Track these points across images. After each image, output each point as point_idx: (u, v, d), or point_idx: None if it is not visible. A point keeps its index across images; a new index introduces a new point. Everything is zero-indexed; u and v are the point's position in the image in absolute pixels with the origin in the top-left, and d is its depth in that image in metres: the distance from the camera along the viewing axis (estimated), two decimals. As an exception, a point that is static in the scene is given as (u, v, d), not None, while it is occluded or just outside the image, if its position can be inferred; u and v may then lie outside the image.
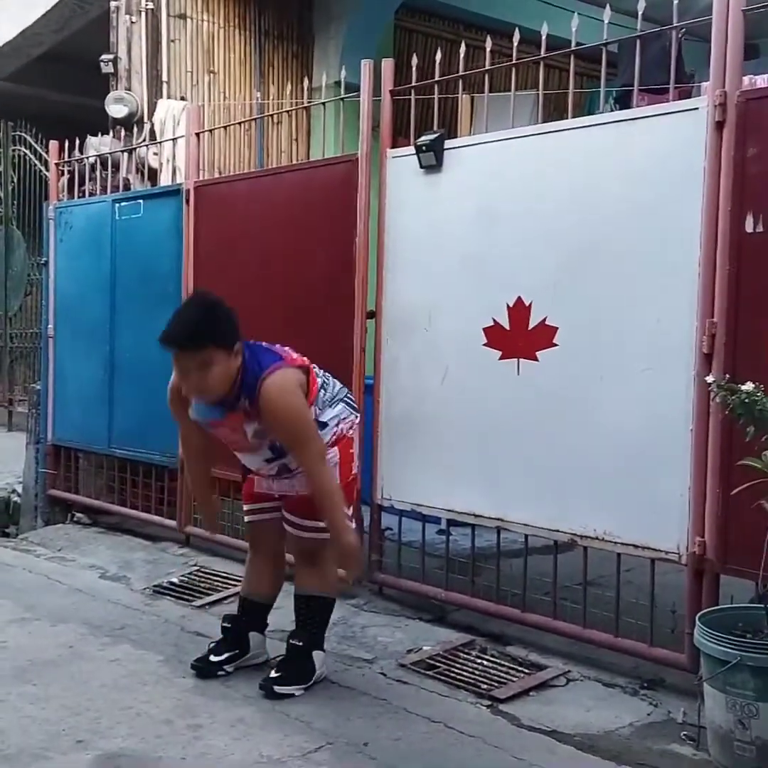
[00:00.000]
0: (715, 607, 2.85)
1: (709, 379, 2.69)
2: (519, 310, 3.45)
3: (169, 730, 2.81)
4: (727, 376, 2.68)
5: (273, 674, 3.10)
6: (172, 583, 4.36)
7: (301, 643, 3.13)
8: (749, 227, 2.90)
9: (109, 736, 2.76)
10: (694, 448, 3.00)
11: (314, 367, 3.18)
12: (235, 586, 4.00)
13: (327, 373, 3.25)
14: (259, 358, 2.99)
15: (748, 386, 2.47)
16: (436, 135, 3.71)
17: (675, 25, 3.16)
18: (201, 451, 3.34)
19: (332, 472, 3.05)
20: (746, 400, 2.46)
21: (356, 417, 3.27)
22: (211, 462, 3.44)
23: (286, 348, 3.14)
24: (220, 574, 4.43)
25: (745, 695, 2.42)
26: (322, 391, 3.14)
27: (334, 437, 3.13)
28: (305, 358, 3.15)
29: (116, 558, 4.87)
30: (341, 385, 3.27)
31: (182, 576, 4.46)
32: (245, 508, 3.34)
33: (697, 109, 3.02)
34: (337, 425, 3.14)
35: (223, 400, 2.99)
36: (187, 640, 3.58)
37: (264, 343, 3.12)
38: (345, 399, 3.22)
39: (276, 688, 3.05)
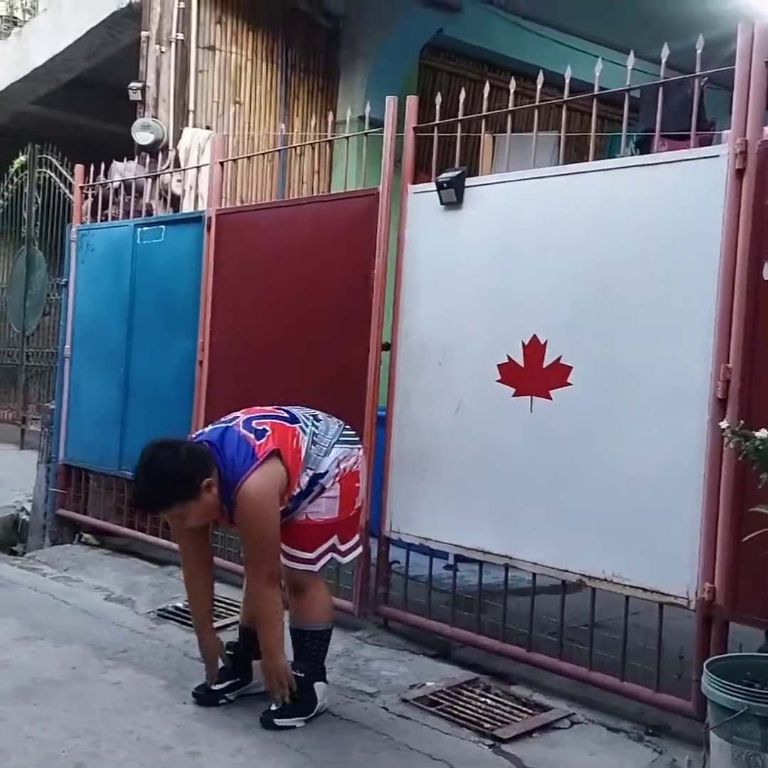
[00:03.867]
0: (723, 654, 2.82)
1: (723, 424, 2.69)
2: (534, 348, 3.47)
3: (169, 757, 2.79)
4: (742, 421, 2.67)
5: (274, 707, 3.08)
6: (177, 608, 4.35)
7: (301, 674, 3.11)
8: (766, 275, 2.92)
9: (109, 760, 2.75)
10: (706, 493, 2.99)
11: (298, 428, 3.10)
12: (240, 612, 3.99)
13: (318, 419, 3.19)
14: (233, 462, 2.96)
15: (763, 433, 2.46)
16: (457, 172, 3.75)
17: (698, 73, 3.20)
18: (201, 565, 3.27)
19: (276, 597, 3.06)
20: (760, 447, 2.45)
21: (359, 449, 3.25)
22: (211, 577, 3.34)
23: (259, 419, 3.09)
24: (225, 600, 4.41)
25: (752, 745, 2.39)
26: (314, 445, 3.10)
27: (338, 476, 3.12)
28: (277, 424, 3.07)
29: (122, 580, 4.86)
30: (336, 426, 3.22)
31: (187, 601, 4.44)
32: None
33: (717, 156, 3.05)
34: (337, 466, 3.13)
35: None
36: (190, 665, 3.57)
37: (235, 427, 3.06)
38: (340, 440, 3.18)
39: (277, 721, 3.03)
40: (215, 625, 4.08)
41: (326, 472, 3.10)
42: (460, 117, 3.89)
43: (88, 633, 3.92)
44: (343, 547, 3.20)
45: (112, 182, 5.87)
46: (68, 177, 8.14)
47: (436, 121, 3.95)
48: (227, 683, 3.23)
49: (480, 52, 8.14)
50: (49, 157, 8.96)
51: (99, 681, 3.39)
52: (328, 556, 3.15)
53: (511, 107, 3.74)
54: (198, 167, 5.93)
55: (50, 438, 5.98)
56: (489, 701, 3.31)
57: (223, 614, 4.24)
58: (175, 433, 4.96)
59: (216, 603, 4.40)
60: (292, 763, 2.77)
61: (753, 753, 2.38)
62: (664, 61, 3.25)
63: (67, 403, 5.84)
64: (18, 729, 2.93)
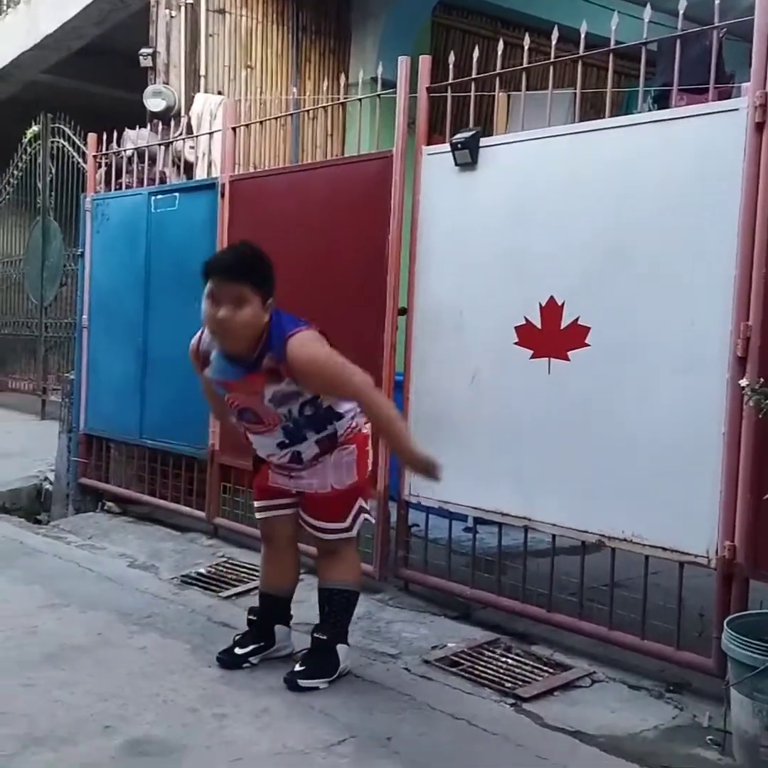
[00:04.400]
0: (743, 612, 2.83)
1: (743, 382, 2.67)
2: (551, 310, 3.44)
3: (195, 719, 2.84)
4: (762, 379, 2.65)
5: (297, 668, 3.12)
6: (199, 574, 4.40)
7: (325, 637, 3.15)
8: (787, 230, 2.87)
9: (136, 723, 2.79)
10: (726, 452, 2.98)
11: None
12: (259, 577, 4.03)
13: None
14: (283, 321, 2.98)
15: (783, 390, 2.45)
16: (471, 133, 3.71)
17: (716, 25, 3.13)
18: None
19: (386, 399, 3.00)
20: (780, 405, 2.44)
21: None
22: None
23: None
24: (247, 565, 4.47)
25: (773, 702, 2.40)
26: None
27: (350, 431, 3.12)
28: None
29: (145, 547, 4.92)
30: None
31: (210, 566, 4.50)
32: (256, 504, 3.32)
33: (737, 109, 3.00)
34: (353, 418, 3.13)
35: (244, 359, 2.95)
36: (214, 630, 3.61)
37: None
38: None
39: (300, 682, 3.07)
40: (240, 589, 4.16)
41: (343, 415, 3.10)
42: (473, 76, 3.83)
43: (112, 599, 3.97)
44: (367, 506, 3.25)
45: (124, 150, 5.84)
46: (81, 146, 8.12)
47: (450, 81, 3.90)
48: (251, 647, 3.27)
49: (493, 9, 8.00)
50: (62, 126, 8.94)
51: (125, 646, 3.44)
52: (360, 518, 3.19)
53: (525, 64, 3.68)
54: (210, 133, 5.89)
55: (71, 408, 6.03)
56: (510, 661, 3.34)
57: (244, 579, 4.28)
58: (194, 402, 4.99)
59: (237, 568, 4.47)
60: (316, 724, 2.81)
61: (774, 709, 2.40)
62: (681, 12, 3.18)
63: (87, 373, 5.88)
64: (46, 693, 2.98)
